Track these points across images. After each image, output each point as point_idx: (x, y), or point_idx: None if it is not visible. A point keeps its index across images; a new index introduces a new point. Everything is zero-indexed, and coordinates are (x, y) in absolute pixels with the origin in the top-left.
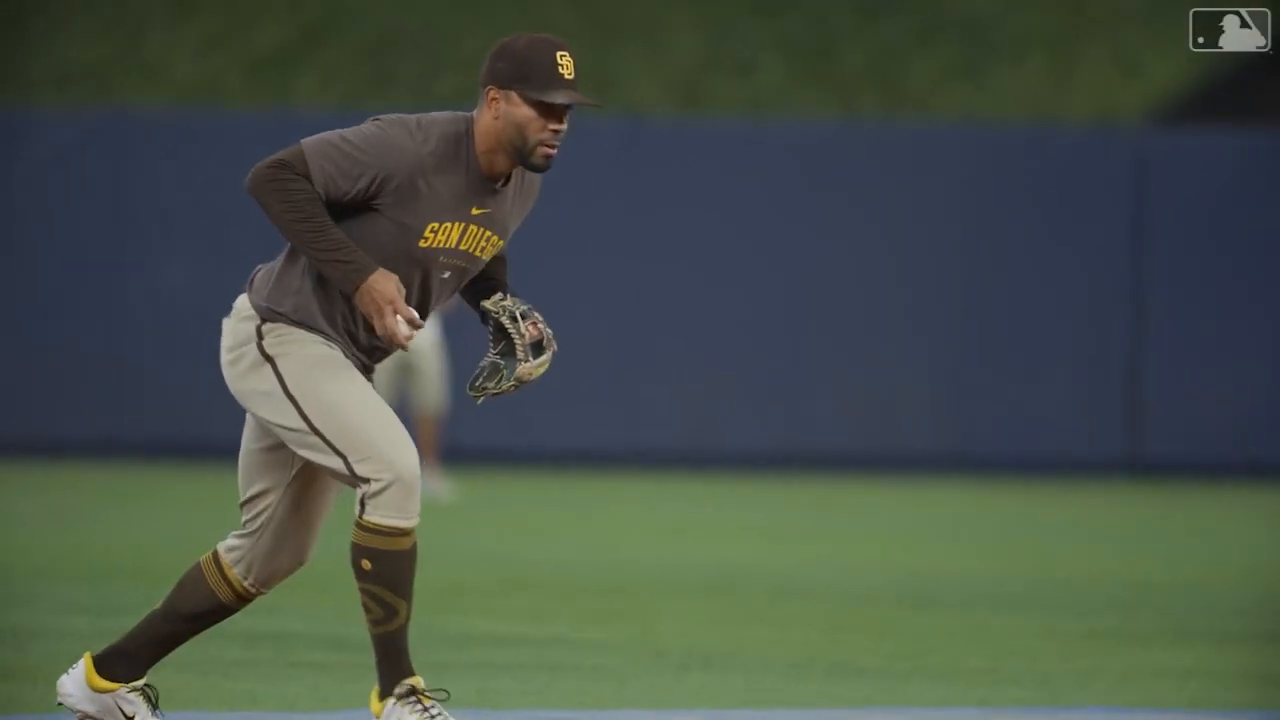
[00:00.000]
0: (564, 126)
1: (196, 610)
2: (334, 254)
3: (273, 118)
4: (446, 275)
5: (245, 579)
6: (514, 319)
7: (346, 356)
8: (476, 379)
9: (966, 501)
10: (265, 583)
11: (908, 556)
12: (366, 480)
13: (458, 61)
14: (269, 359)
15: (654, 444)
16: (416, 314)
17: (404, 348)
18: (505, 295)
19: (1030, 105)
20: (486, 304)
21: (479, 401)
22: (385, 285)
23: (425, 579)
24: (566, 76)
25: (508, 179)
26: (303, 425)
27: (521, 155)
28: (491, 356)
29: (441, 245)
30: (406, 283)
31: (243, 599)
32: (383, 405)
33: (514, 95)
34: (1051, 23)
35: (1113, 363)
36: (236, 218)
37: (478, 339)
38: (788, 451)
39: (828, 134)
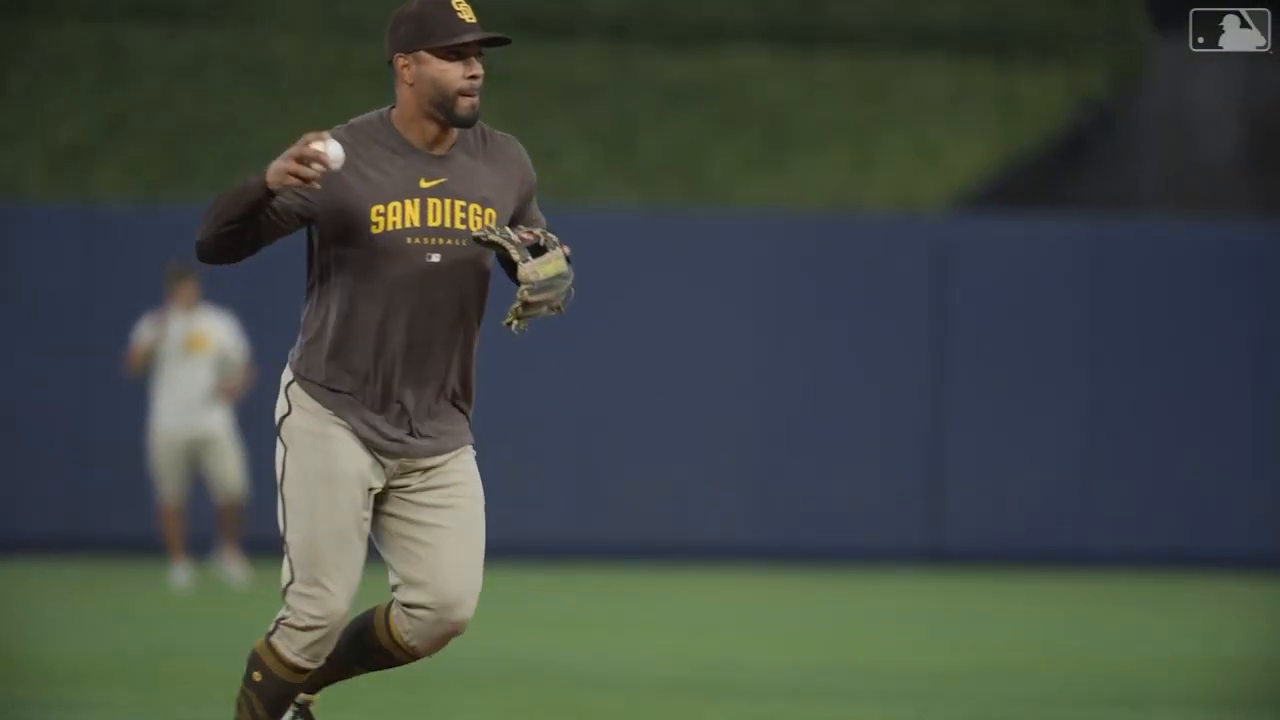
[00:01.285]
0: (479, 71)
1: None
2: (236, 194)
3: (74, 210)
4: (436, 258)
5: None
6: (492, 230)
7: (361, 434)
8: (513, 312)
9: (766, 591)
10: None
11: (706, 646)
12: (292, 611)
13: (258, 152)
14: (283, 443)
15: None
16: (317, 153)
17: (320, 162)
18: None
19: (831, 194)
20: (489, 235)
21: (515, 329)
22: (285, 155)
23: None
24: (467, 20)
25: (453, 145)
26: (280, 522)
27: (446, 111)
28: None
29: (400, 226)
30: (401, 289)
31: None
32: (349, 546)
33: (422, 54)
34: (852, 112)
35: (913, 451)
36: (40, 308)
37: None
38: (585, 541)
39: (630, 222)
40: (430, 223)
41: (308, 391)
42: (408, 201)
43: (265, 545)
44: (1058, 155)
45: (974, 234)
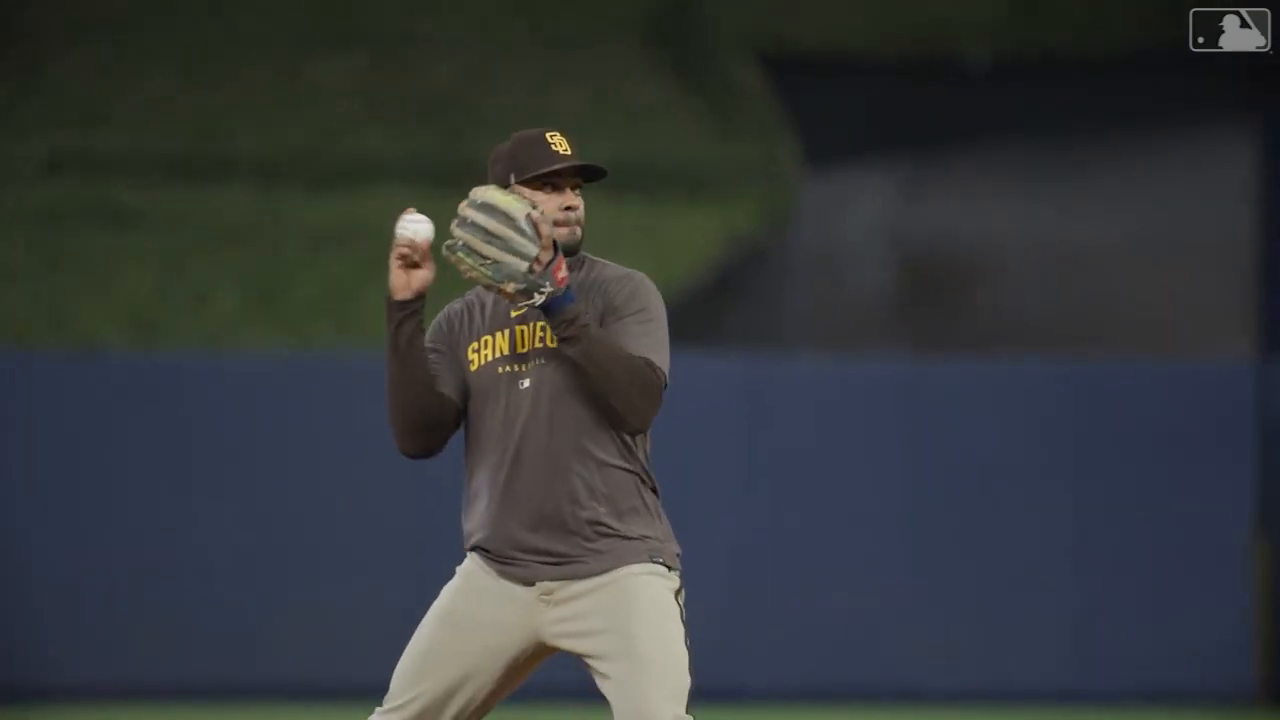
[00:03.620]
0: (575, 202)
1: None
2: (385, 336)
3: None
4: (526, 384)
5: None
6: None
7: (495, 578)
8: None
9: None
10: None
11: None
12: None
13: None
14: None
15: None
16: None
17: (406, 242)
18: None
19: None
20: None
21: (445, 252)
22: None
23: None
24: (561, 152)
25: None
26: None
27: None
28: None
29: (490, 358)
30: (502, 426)
31: None
32: (439, 681)
33: (516, 187)
34: None
35: None
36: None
37: None
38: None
39: (281, 364)
40: (519, 349)
41: (470, 557)
42: (498, 333)
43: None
44: (709, 292)
45: None
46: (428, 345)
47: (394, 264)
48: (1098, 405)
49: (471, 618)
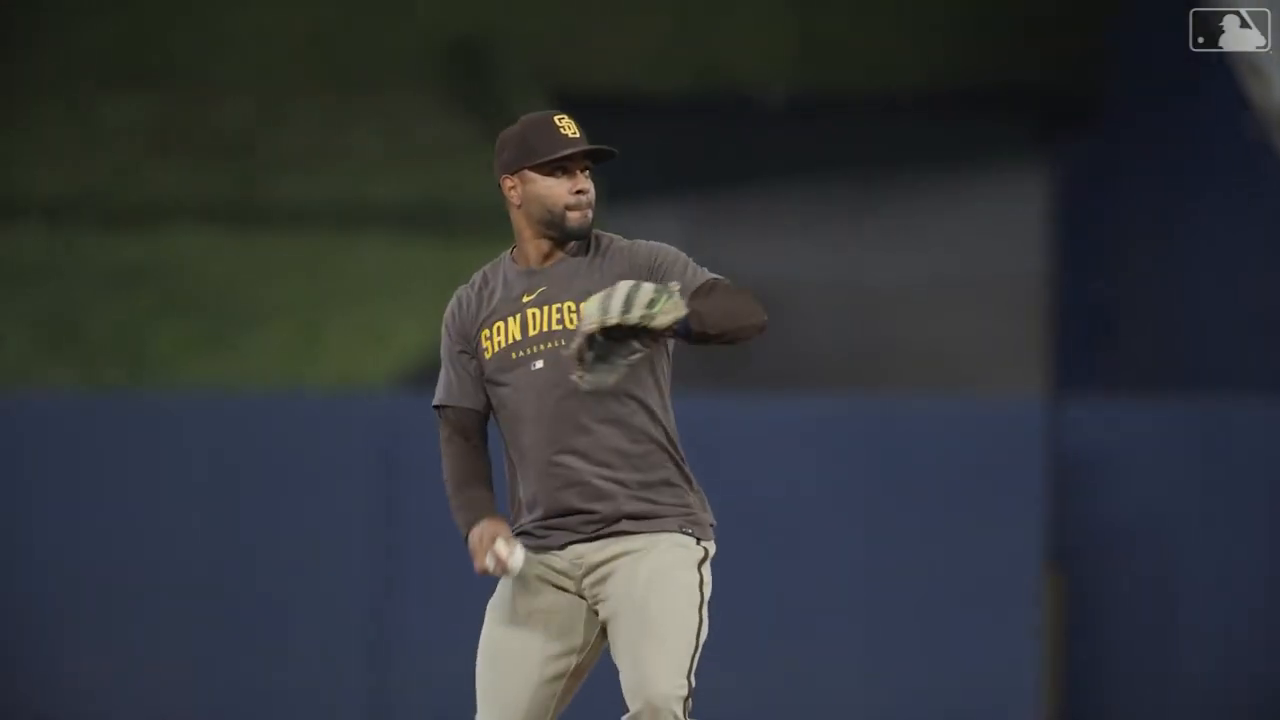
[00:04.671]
0: (586, 185)
1: None
2: (457, 510)
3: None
4: (540, 365)
5: None
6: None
7: (539, 564)
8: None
9: None
10: None
11: None
12: None
13: None
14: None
15: None
16: (498, 555)
17: (484, 568)
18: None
19: (277, 373)
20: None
21: (579, 379)
22: (475, 534)
23: None
24: (570, 135)
25: (564, 258)
26: None
27: (557, 227)
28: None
29: (504, 344)
30: (526, 406)
31: None
32: (507, 676)
33: (526, 173)
34: (295, 291)
35: (359, 633)
36: None
37: None
38: None
39: (73, 404)
40: (530, 332)
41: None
42: (510, 318)
43: None
44: None
45: (420, 411)
46: (453, 352)
47: (479, 562)
48: (888, 442)
49: (528, 609)
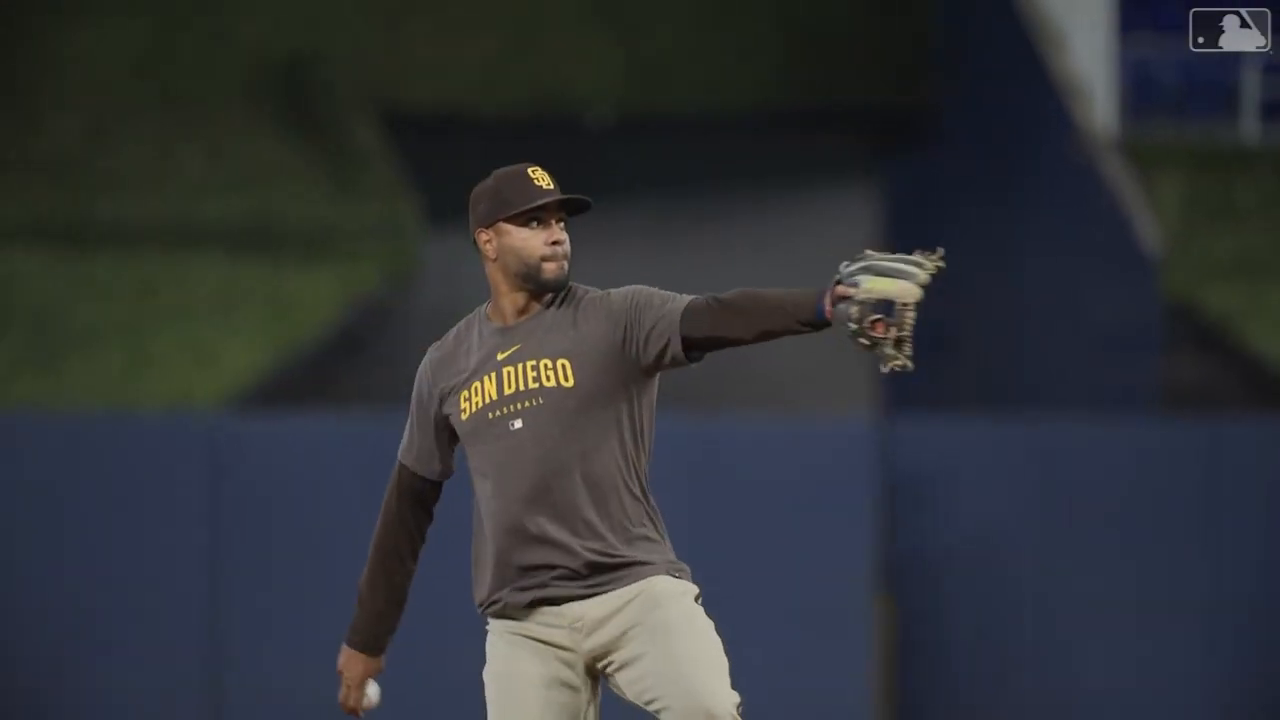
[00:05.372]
0: (561, 236)
1: None
2: (364, 584)
3: None
4: (518, 424)
5: None
6: (863, 331)
7: (524, 635)
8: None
9: None
10: None
11: None
12: None
13: None
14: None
15: None
16: (361, 703)
17: (347, 705)
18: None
19: (106, 394)
20: (839, 318)
21: (890, 366)
22: (350, 667)
23: None
24: (543, 186)
25: (539, 311)
26: None
27: (533, 280)
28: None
29: (481, 405)
30: (505, 469)
31: None
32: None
33: (501, 225)
34: (124, 312)
35: (191, 653)
36: None
37: None
38: None
39: None
40: (506, 391)
41: (486, 612)
42: (486, 378)
43: None
44: (333, 352)
45: (250, 432)
46: (419, 414)
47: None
48: (719, 464)
49: (532, 673)
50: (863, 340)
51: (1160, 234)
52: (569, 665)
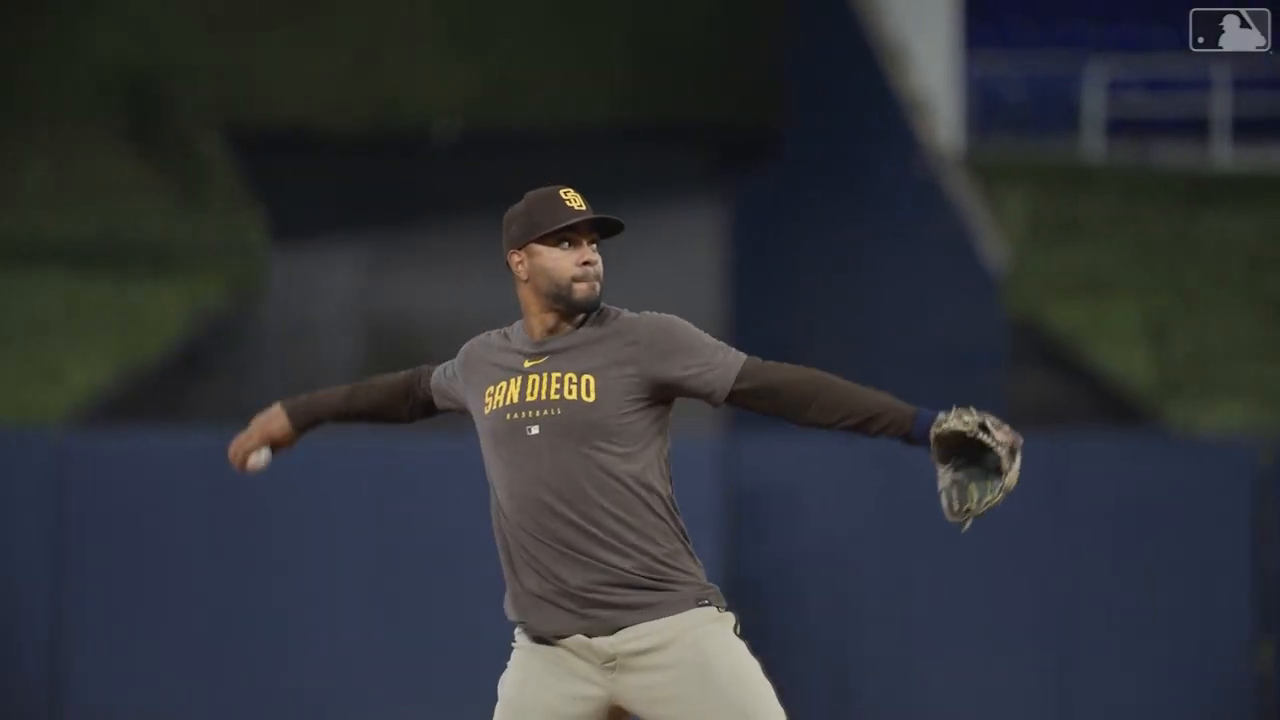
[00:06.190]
0: (593, 257)
1: None
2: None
3: None
4: (535, 430)
5: None
6: (985, 429)
7: (550, 657)
8: (954, 505)
9: None
10: None
11: None
12: None
13: None
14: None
15: None
16: (246, 452)
17: (237, 464)
18: (954, 409)
19: None
20: (948, 424)
21: (966, 526)
22: (261, 416)
23: None
24: (575, 206)
25: (571, 330)
26: None
27: (565, 300)
28: (951, 475)
29: (502, 404)
30: (517, 471)
31: None
32: None
33: (533, 246)
34: None
35: (33, 671)
36: None
37: None
38: None
39: None
40: (528, 397)
41: (520, 639)
42: (511, 380)
43: None
44: (178, 368)
45: (94, 450)
46: (452, 369)
47: (236, 450)
48: None
49: (541, 704)
50: (979, 438)
51: (1005, 251)
52: (591, 683)
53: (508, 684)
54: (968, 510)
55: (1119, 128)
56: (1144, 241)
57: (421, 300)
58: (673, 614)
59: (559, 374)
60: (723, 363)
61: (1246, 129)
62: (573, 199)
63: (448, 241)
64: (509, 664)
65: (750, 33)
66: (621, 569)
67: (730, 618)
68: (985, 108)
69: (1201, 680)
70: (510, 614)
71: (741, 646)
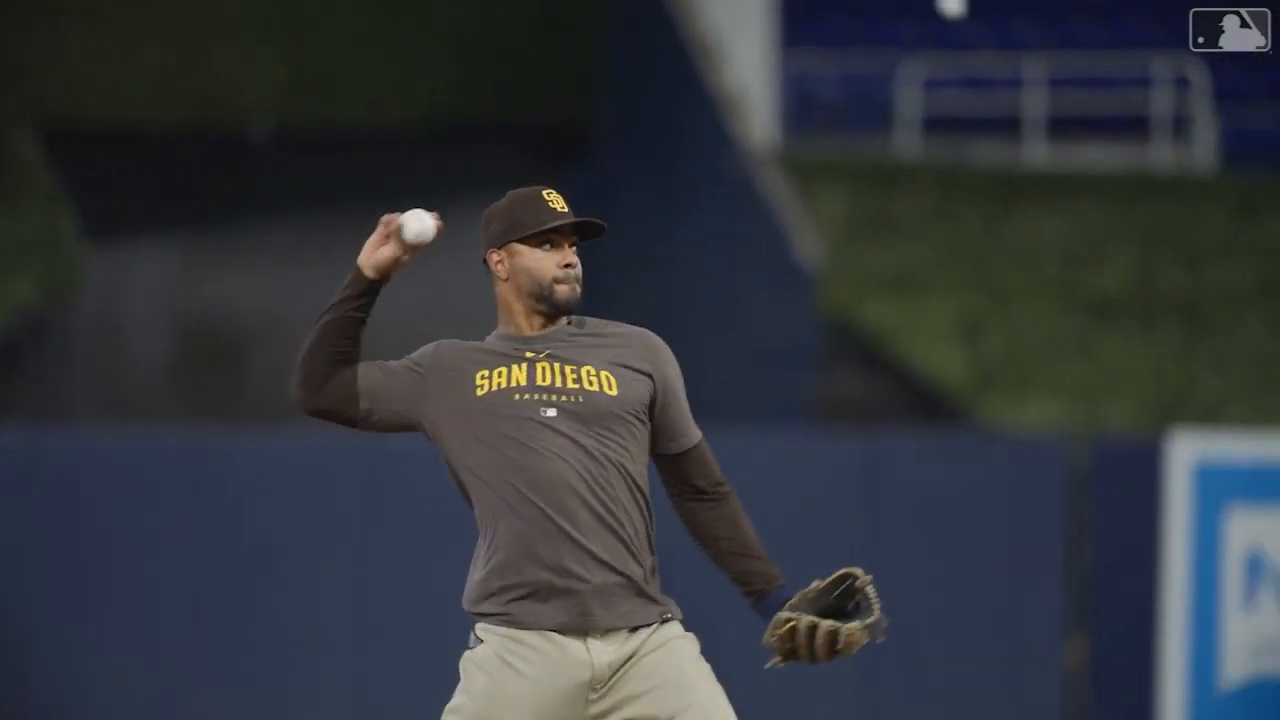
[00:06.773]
0: (574, 260)
1: None
2: (338, 295)
3: None
4: (552, 413)
5: None
6: (845, 584)
7: (531, 655)
8: (788, 640)
9: None
10: None
11: None
12: None
13: None
14: (461, 673)
15: None
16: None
17: (401, 238)
18: (846, 573)
19: None
20: (851, 580)
21: (782, 664)
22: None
23: None
24: (557, 208)
25: (557, 331)
26: None
27: (546, 300)
28: (807, 616)
29: (505, 385)
30: (526, 449)
31: None
32: None
33: (513, 246)
34: None
35: None
36: None
37: None
38: None
39: None
40: (539, 381)
41: (481, 622)
42: (514, 365)
43: None
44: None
45: None
46: (407, 364)
47: (388, 245)
48: (377, 480)
49: (524, 699)
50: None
51: (820, 248)
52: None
53: (474, 691)
54: (852, 637)
55: (934, 126)
56: (958, 240)
57: (236, 299)
58: (658, 622)
59: (572, 366)
60: (688, 419)
61: (1060, 127)
62: (555, 200)
63: (263, 240)
64: (474, 662)
65: (564, 30)
66: (626, 571)
67: (695, 638)
68: (800, 105)
69: (1011, 679)
70: (485, 606)
71: (708, 668)
